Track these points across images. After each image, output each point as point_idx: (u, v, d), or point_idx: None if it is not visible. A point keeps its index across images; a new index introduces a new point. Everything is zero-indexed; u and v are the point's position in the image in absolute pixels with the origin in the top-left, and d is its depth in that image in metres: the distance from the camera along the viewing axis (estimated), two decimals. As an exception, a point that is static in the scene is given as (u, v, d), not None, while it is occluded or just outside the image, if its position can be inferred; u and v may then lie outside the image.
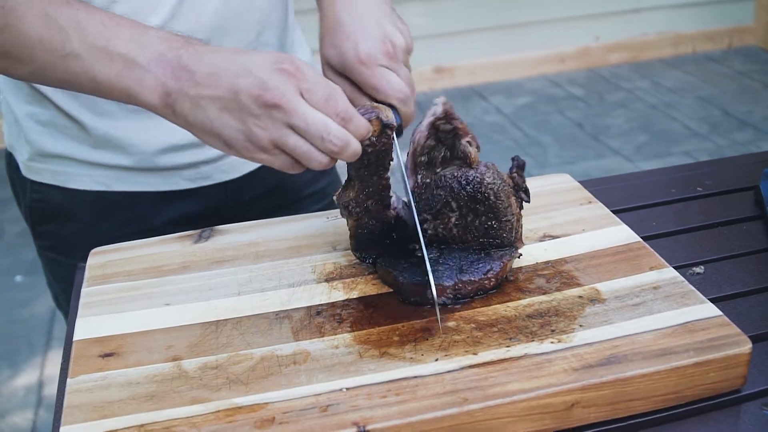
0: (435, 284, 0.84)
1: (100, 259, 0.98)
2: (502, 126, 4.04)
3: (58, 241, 1.20)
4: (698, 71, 4.60)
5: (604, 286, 0.87)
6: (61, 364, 0.89)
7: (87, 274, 0.95)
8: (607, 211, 1.02)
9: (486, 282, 0.86)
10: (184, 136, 1.02)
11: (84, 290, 0.92)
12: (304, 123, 0.77)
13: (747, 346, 0.77)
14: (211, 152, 1.12)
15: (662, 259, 0.91)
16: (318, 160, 0.79)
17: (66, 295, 1.26)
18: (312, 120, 0.77)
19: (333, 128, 0.78)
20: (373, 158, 0.84)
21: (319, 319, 0.85)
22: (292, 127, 0.78)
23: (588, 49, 4.70)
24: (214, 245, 1.00)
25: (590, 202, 1.04)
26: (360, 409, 0.72)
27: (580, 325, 0.81)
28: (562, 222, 1.00)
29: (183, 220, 1.13)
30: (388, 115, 0.83)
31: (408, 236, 0.91)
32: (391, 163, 0.87)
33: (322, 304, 0.87)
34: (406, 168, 0.91)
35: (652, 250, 0.93)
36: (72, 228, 1.17)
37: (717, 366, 0.76)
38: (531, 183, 1.09)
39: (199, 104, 0.79)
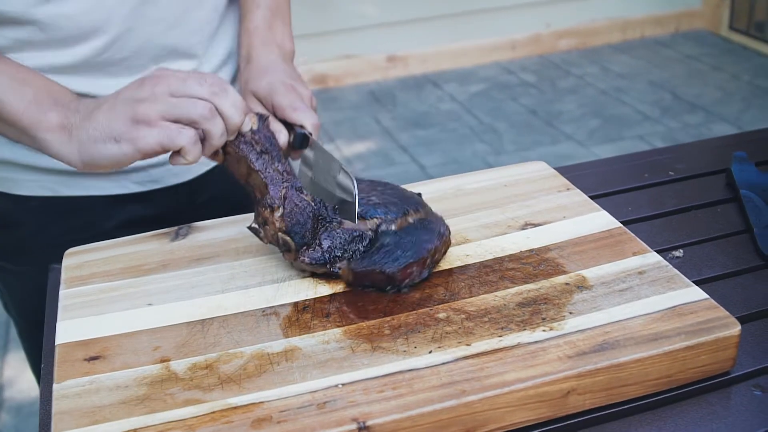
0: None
1: (75, 260, 0.95)
2: (457, 113, 4.05)
3: (5, 249, 1.17)
4: (647, 56, 4.67)
5: (590, 273, 0.87)
6: (42, 369, 0.87)
7: (63, 275, 0.92)
8: (586, 197, 1.02)
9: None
10: None
11: (62, 292, 0.89)
12: (182, 81, 0.84)
13: (736, 328, 0.78)
14: (159, 156, 1.11)
15: (644, 244, 0.92)
16: (199, 108, 0.84)
17: (15, 302, 1.23)
18: (185, 75, 0.85)
19: (207, 77, 0.86)
20: (266, 146, 0.90)
21: (306, 314, 0.84)
22: (173, 94, 0.84)
23: (539, 36, 4.73)
24: (192, 243, 0.98)
25: (568, 189, 1.04)
26: (358, 404, 0.71)
27: (570, 312, 0.81)
28: (542, 209, 1.00)
29: (135, 224, 1.12)
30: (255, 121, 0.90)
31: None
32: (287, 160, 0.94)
33: (308, 300, 0.86)
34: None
35: (633, 235, 0.94)
36: (19, 235, 1.15)
37: (708, 349, 0.77)
38: (507, 171, 1.09)
39: (90, 117, 0.87)
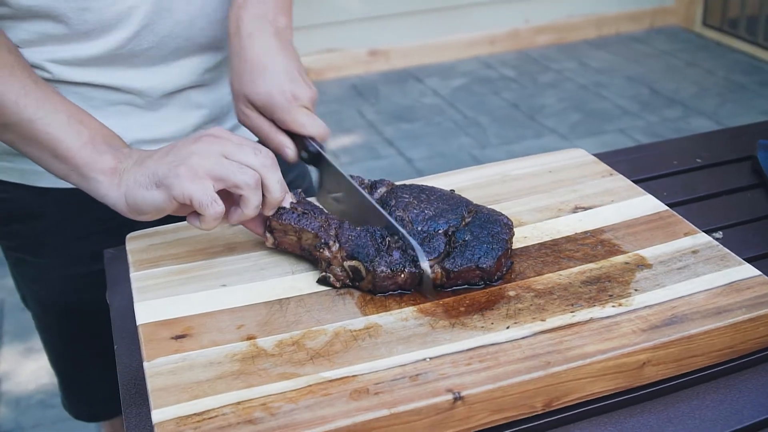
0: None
1: (139, 243, 0.97)
2: (440, 108, 4.09)
3: (26, 241, 1.19)
4: (623, 51, 4.75)
5: (647, 252, 0.92)
6: (116, 350, 0.89)
7: (131, 258, 0.94)
8: (630, 182, 1.07)
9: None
10: (147, 136, 1.10)
11: (134, 275, 0.91)
12: (237, 146, 0.86)
13: (792, 302, 0.82)
14: None
15: (693, 226, 0.96)
16: (247, 176, 0.85)
17: (34, 295, 1.24)
18: (242, 141, 0.87)
19: (263, 149, 0.87)
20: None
21: (380, 294, 0.87)
22: (226, 155, 0.85)
23: (517, 32, 4.80)
24: (252, 226, 1.00)
25: (611, 174, 1.09)
26: (449, 376, 0.74)
27: (635, 290, 0.85)
28: (590, 194, 1.04)
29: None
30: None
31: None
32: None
33: (378, 280, 0.89)
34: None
35: (681, 217, 0.98)
36: (40, 227, 1.16)
37: (766, 321, 0.82)
38: (549, 158, 1.13)
39: (141, 163, 0.88)
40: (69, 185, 1.08)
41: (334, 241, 0.88)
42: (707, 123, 3.84)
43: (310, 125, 0.97)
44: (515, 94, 4.25)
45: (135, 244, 0.97)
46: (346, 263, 0.87)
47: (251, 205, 0.86)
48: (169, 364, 0.77)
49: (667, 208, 1.00)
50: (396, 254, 0.86)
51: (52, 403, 2.35)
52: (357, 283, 0.87)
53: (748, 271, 0.87)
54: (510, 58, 4.70)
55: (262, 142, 0.98)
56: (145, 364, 0.77)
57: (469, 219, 0.92)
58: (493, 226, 0.90)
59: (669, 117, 3.92)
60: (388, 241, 0.88)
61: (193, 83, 1.11)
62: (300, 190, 0.95)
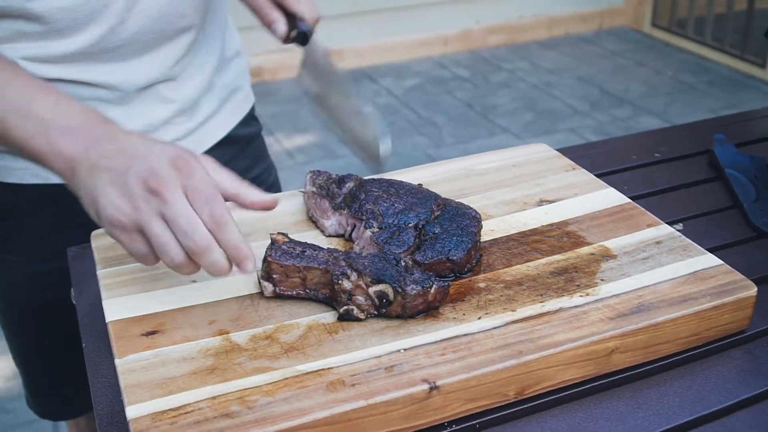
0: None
1: (105, 240, 0.96)
2: (394, 107, 4.11)
3: None
4: (573, 52, 4.82)
5: (612, 243, 0.93)
6: (84, 348, 0.88)
7: (98, 255, 0.93)
8: (592, 176, 1.09)
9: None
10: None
11: (100, 272, 0.90)
12: (175, 213, 0.75)
13: (753, 290, 0.85)
14: None
15: (655, 217, 0.98)
16: (173, 253, 0.76)
17: (1, 291, 1.22)
18: (183, 213, 0.76)
19: (200, 228, 0.76)
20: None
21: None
22: (163, 216, 0.76)
23: (469, 32, 4.84)
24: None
25: (574, 169, 1.11)
26: (424, 367, 0.75)
27: (602, 279, 0.87)
28: (554, 188, 1.06)
29: None
30: None
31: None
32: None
33: (348, 274, 0.89)
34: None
35: (644, 209, 1.00)
36: (12, 224, 1.15)
37: (730, 308, 0.84)
38: (512, 153, 1.15)
39: (93, 173, 0.80)
40: (39, 181, 1.09)
41: (352, 270, 0.82)
42: (656, 122, 3.92)
43: (304, 2, 1.01)
44: (468, 93, 4.29)
45: (101, 241, 0.96)
46: (371, 289, 0.81)
47: (184, 272, 0.78)
48: (142, 361, 0.76)
49: (629, 200, 1.02)
50: (417, 272, 0.83)
51: (7, 408, 2.31)
52: (384, 310, 0.82)
53: (711, 260, 0.90)
54: (463, 58, 4.74)
55: (257, 17, 1.03)
56: (117, 361, 0.77)
57: (438, 212, 0.93)
58: (462, 219, 0.91)
59: (619, 116, 3.99)
60: (405, 262, 0.84)
61: (163, 77, 1.11)
62: (286, 233, 0.88)
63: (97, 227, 0.97)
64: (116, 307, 0.84)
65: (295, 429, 0.69)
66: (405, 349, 0.77)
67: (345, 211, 0.95)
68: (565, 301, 0.84)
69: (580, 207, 1.01)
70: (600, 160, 1.23)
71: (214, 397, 0.72)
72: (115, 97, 1.08)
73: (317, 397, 0.71)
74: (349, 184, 0.98)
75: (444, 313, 0.83)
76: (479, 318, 0.82)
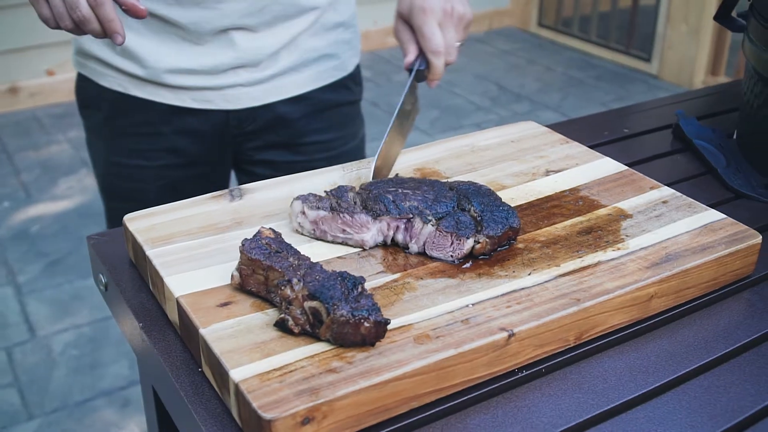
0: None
1: (142, 223, 0.96)
2: (302, 108, 4.14)
3: (92, 124, 1.47)
4: (468, 52, 4.99)
5: (624, 205, 1.02)
6: (141, 327, 0.89)
7: (141, 237, 0.93)
8: (586, 147, 1.18)
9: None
10: (189, 61, 1.32)
11: (151, 251, 0.91)
12: None
13: (759, 238, 0.95)
14: (215, 80, 1.36)
15: (655, 181, 1.08)
16: (66, 20, 1.01)
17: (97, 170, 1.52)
18: None
19: (82, 4, 0.99)
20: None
21: (399, 254, 0.92)
22: None
23: (368, 33, 4.92)
24: (251, 203, 1.02)
25: (567, 142, 1.19)
26: (495, 318, 0.81)
27: (626, 236, 0.95)
28: (556, 159, 1.14)
29: (190, 133, 1.40)
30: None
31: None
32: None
33: (390, 247, 0.94)
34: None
35: (642, 174, 1.10)
36: (98, 117, 1.44)
37: (741, 254, 0.94)
38: (507, 130, 1.22)
39: None
40: (120, 89, 1.37)
41: (299, 280, 0.80)
42: (554, 115, 4.12)
43: (428, 36, 1.08)
44: (373, 93, 4.37)
45: (138, 224, 0.97)
46: (307, 303, 0.78)
47: (78, 33, 1.02)
48: (227, 329, 0.79)
49: (627, 167, 1.12)
50: (365, 302, 0.78)
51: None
52: (316, 330, 0.78)
53: (716, 215, 1.00)
54: (364, 58, 4.80)
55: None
56: (202, 331, 0.78)
57: (453, 194, 0.98)
58: (482, 195, 0.97)
59: (519, 111, 4.17)
60: (361, 289, 0.80)
61: (234, 25, 1.28)
62: (279, 233, 0.89)
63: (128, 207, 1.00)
64: (180, 283, 0.86)
65: (397, 379, 0.73)
66: (473, 304, 0.83)
67: (386, 217, 0.93)
68: (600, 255, 0.91)
69: (584, 175, 1.10)
70: (576, 136, 1.32)
71: (312, 356, 0.75)
72: (191, 36, 1.28)
73: (409, 350, 0.76)
74: (350, 194, 0.97)
75: (495, 272, 0.89)
76: (529, 274, 0.88)
